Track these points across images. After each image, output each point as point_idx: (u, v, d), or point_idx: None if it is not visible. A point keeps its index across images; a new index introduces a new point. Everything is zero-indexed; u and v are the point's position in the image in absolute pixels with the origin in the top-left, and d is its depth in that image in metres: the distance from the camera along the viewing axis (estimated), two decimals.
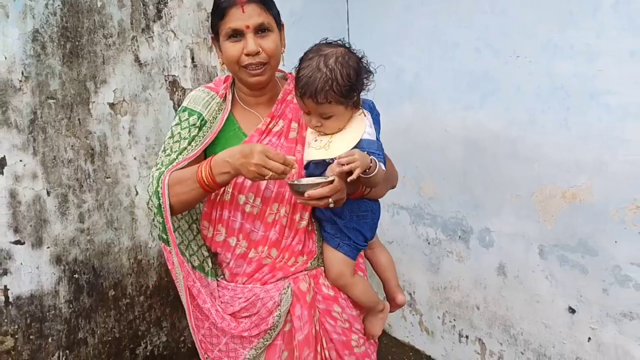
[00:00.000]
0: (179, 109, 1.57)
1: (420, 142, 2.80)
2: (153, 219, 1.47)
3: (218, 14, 1.48)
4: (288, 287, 1.54)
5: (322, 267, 1.61)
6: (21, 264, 2.25)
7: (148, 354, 2.64)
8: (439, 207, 2.76)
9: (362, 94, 1.51)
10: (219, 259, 1.60)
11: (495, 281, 2.54)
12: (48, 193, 2.29)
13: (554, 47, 2.13)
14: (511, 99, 2.31)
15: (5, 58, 2.15)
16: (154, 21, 2.47)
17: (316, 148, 1.48)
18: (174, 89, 2.57)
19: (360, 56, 1.48)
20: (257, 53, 1.46)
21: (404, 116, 2.84)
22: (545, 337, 2.36)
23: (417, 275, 2.97)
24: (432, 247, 2.85)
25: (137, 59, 2.45)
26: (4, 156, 2.18)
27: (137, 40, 2.44)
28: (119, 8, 2.37)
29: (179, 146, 1.51)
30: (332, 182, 1.37)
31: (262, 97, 1.60)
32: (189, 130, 1.52)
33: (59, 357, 2.38)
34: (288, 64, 1.58)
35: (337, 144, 1.46)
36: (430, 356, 2.98)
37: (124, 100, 2.44)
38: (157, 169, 1.49)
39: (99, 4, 2.32)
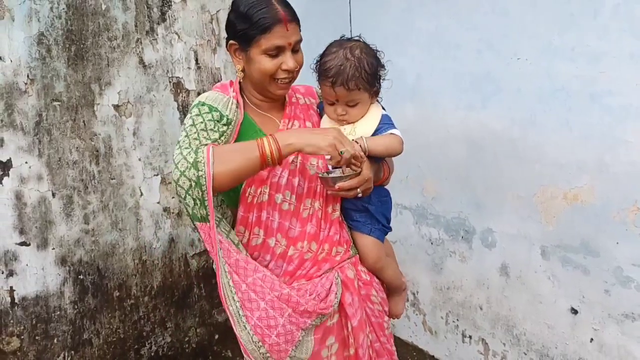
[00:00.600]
0: (196, 104, 1.53)
1: (422, 142, 2.81)
2: (184, 197, 1.38)
3: (259, 28, 1.47)
4: (338, 276, 1.57)
5: (357, 255, 1.67)
6: (27, 265, 2.28)
7: (153, 354, 2.66)
8: (442, 207, 2.77)
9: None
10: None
11: (497, 281, 2.55)
12: (53, 194, 2.31)
13: (554, 48, 2.13)
14: (512, 99, 2.32)
15: (11, 61, 2.17)
16: (158, 23, 2.49)
17: None
18: (178, 91, 2.59)
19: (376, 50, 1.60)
20: (295, 69, 1.52)
21: (405, 116, 2.85)
22: (548, 338, 2.36)
23: (420, 275, 2.98)
24: (435, 247, 2.85)
25: (141, 61, 2.47)
26: (10, 158, 2.21)
27: (141, 43, 2.46)
28: (123, 11, 2.39)
29: (209, 135, 1.47)
30: (359, 173, 1.47)
31: (275, 102, 1.64)
32: (215, 124, 1.49)
33: (64, 357, 2.40)
34: None
35: (362, 127, 1.58)
36: (433, 356, 2.99)
37: (128, 102, 2.46)
38: (186, 148, 1.42)
39: (104, 7, 2.34)
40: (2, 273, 2.23)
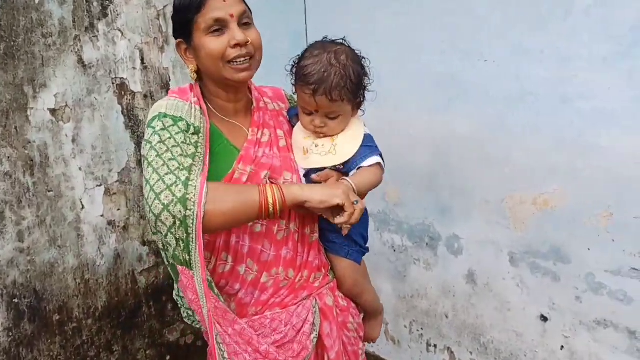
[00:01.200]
0: (155, 116, 1.33)
1: (383, 146, 2.66)
2: (165, 235, 1.19)
3: (192, 8, 1.31)
4: (316, 304, 1.43)
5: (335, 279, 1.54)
6: None
7: None
8: (405, 213, 2.68)
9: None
10: (222, 293, 1.40)
11: (464, 289, 2.48)
12: None
13: (523, 50, 2.07)
14: (479, 102, 2.25)
15: None
16: (99, 19, 2.27)
17: (321, 154, 1.40)
18: (123, 93, 2.37)
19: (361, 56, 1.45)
20: (247, 43, 1.32)
21: (366, 119, 2.73)
22: (517, 346, 2.31)
23: (382, 283, 2.88)
24: (397, 255, 2.76)
25: (80, 60, 2.24)
26: None
27: (80, 40, 2.23)
28: (59, 5, 2.15)
29: (185, 151, 1.27)
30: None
31: (240, 104, 1.46)
32: (184, 136, 1.30)
33: None
34: None
35: (344, 146, 1.41)
36: None
37: (66, 105, 2.22)
38: (167, 174, 1.22)
39: (37, 0, 2.09)
40: None
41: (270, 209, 1.25)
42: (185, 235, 1.18)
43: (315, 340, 1.41)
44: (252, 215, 1.26)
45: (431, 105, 2.44)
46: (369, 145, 1.45)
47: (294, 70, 1.46)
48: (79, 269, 2.35)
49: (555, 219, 2.09)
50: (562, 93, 1.98)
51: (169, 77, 2.50)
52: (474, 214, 2.37)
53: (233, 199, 1.23)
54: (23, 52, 2.09)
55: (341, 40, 1.48)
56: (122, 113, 2.38)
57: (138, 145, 2.45)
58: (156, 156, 1.25)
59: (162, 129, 1.30)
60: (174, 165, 1.23)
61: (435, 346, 2.68)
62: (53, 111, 2.19)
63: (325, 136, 1.44)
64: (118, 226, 2.45)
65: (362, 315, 1.64)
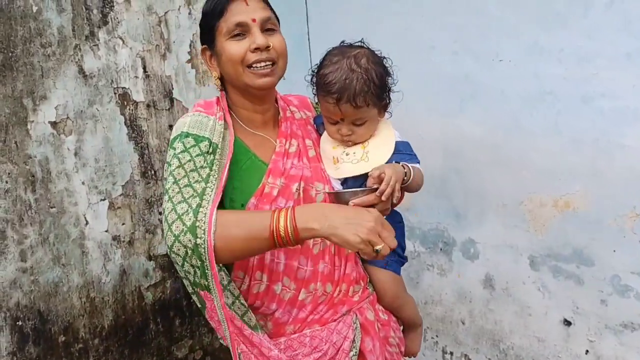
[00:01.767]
0: (177, 135, 1.29)
1: None
2: (182, 265, 1.17)
3: (215, 14, 1.29)
4: (356, 319, 1.36)
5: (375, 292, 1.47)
6: None
7: None
8: (417, 218, 2.62)
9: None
10: (257, 313, 1.35)
11: (481, 294, 2.42)
12: None
13: (540, 49, 2.02)
14: (494, 103, 2.20)
15: None
16: (99, 27, 2.18)
17: (353, 162, 1.35)
18: (125, 103, 2.29)
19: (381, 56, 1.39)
20: (267, 48, 1.28)
21: None
22: (539, 351, 2.26)
23: None
24: (410, 261, 2.70)
25: (81, 70, 2.15)
26: None
27: (80, 49, 2.14)
28: (58, 13, 2.06)
29: (201, 174, 1.23)
30: (375, 189, 1.23)
31: (268, 114, 1.41)
32: (205, 158, 1.25)
33: None
34: None
35: (376, 152, 1.36)
36: None
37: (67, 117, 2.13)
38: (180, 202, 1.19)
39: (35, 8, 2.00)
40: None
41: (283, 241, 1.17)
42: (199, 262, 1.15)
43: (355, 358, 1.34)
44: (262, 248, 1.21)
45: (442, 107, 2.38)
46: (408, 153, 1.41)
47: (314, 79, 1.41)
48: (84, 288, 2.25)
49: (577, 221, 2.04)
50: (583, 92, 1.93)
51: (172, 85, 2.42)
52: (490, 217, 2.32)
53: (243, 232, 1.17)
54: (21, 63, 1.99)
55: (359, 43, 1.42)
56: (125, 124, 2.29)
57: (142, 156, 2.36)
58: (173, 183, 1.23)
59: (182, 151, 1.26)
60: (188, 193, 1.20)
61: (451, 353, 2.62)
62: (54, 124, 2.10)
63: (354, 144, 1.39)
64: (123, 241, 2.36)
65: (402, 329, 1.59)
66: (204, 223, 1.14)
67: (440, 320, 2.63)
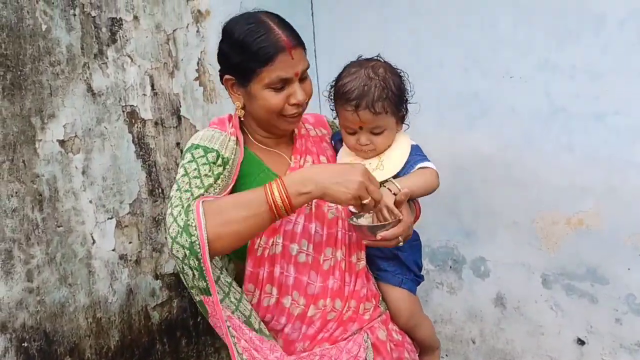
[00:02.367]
0: (188, 147, 1.32)
1: None
2: (182, 269, 1.17)
3: (259, 60, 1.26)
4: (367, 338, 1.34)
5: (387, 311, 1.45)
6: None
7: None
8: (426, 236, 2.57)
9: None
10: (268, 328, 1.34)
11: (492, 313, 2.39)
12: None
13: (552, 66, 2.02)
14: (505, 120, 2.19)
15: None
16: (108, 45, 2.17)
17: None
18: (133, 121, 2.27)
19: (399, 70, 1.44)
20: (305, 102, 1.33)
21: None
22: None
23: None
24: None
25: (89, 89, 2.14)
26: None
27: (89, 68, 2.13)
28: (67, 31, 2.06)
29: (203, 182, 1.24)
30: (400, 220, 1.25)
31: (284, 136, 1.41)
32: (210, 167, 1.27)
33: None
34: None
35: (390, 159, 1.39)
36: None
37: (75, 136, 2.11)
38: (177, 206, 1.20)
39: (44, 27, 1.99)
40: None
41: (282, 211, 1.17)
42: (197, 262, 1.15)
43: None
44: (264, 223, 1.19)
45: (451, 124, 2.38)
46: (418, 154, 1.43)
47: (332, 92, 1.44)
48: (91, 308, 2.22)
49: (591, 239, 2.02)
50: (595, 109, 1.93)
51: (180, 102, 2.40)
52: (501, 235, 2.30)
53: (240, 214, 1.17)
54: (30, 82, 1.98)
55: (376, 57, 1.47)
56: (133, 142, 2.27)
57: (149, 174, 2.34)
58: (176, 190, 1.25)
59: (189, 161, 1.29)
60: (185, 197, 1.21)
61: None
62: (62, 142, 2.08)
63: (372, 154, 1.41)
64: (130, 260, 2.33)
65: (418, 351, 1.55)
66: (193, 220, 1.14)
67: (450, 340, 2.60)
